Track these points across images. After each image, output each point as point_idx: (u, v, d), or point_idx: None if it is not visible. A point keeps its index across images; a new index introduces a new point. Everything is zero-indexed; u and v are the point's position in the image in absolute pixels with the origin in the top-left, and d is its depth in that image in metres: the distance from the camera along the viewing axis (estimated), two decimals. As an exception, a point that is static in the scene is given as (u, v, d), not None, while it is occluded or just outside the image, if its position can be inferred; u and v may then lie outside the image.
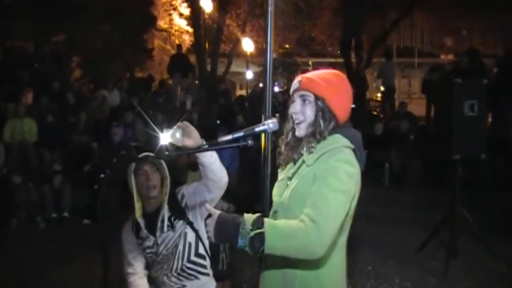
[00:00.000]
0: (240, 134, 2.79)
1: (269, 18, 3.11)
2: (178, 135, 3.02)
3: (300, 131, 2.77)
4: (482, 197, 9.63)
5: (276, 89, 23.89)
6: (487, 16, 21.19)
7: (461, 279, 7.05)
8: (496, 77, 13.90)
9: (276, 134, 2.96)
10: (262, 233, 2.43)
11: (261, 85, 18.82)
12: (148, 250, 4.02)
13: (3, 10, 17.41)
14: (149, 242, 3.98)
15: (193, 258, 4.02)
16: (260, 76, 25.21)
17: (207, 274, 4.11)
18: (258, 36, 23.82)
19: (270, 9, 3.11)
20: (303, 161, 2.71)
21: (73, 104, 14.69)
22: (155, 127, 5.10)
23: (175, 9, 26.09)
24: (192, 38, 24.92)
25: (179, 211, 3.96)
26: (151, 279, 4.16)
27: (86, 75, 23.40)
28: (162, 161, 3.95)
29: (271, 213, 2.86)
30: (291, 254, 2.48)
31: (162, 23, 26.58)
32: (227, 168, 3.65)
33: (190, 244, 4.00)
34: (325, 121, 2.69)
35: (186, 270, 4.00)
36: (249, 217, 2.51)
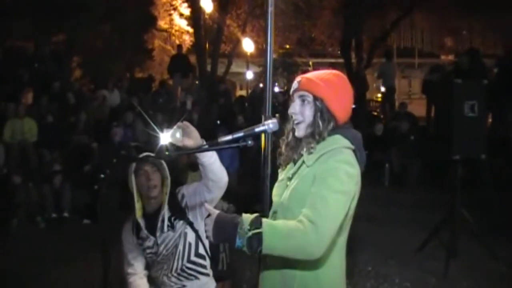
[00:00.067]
0: (240, 134, 2.79)
1: (269, 19, 3.11)
2: (178, 135, 3.02)
3: (300, 132, 2.77)
4: (482, 197, 9.64)
5: (276, 89, 23.89)
6: (487, 16, 21.19)
7: (461, 279, 7.05)
8: (496, 77, 13.89)
9: (276, 135, 2.96)
10: (260, 233, 2.43)
11: (261, 85, 18.81)
12: (148, 250, 4.02)
13: (3, 10, 17.39)
14: (149, 242, 3.98)
15: (193, 258, 4.02)
16: (260, 76, 25.19)
17: (207, 274, 4.11)
18: (258, 36, 23.82)
19: (270, 9, 3.11)
20: (303, 162, 2.71)
21: (73, 104, 14.70)
22: (155, 127, 5.11)
23: (175, 9, 26.08)
24: (192, 38, 24.91)
25: (179, 211, 3.96)
26: (151, 279, 4.16)
27: (86, 75, 23.40)
28: (163, 161, 3.95)
29: (270, 213, 2.86)
30: (289, 255, 2.48)
31: (162, 23, 26.58)
32: (227, 168, 3.65)
33: (190, 244, 4.00)
34: (324, 122, 2.69)
35: (186, 270, 4.00)
36: (247, 217, 2.51)
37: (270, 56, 3.12)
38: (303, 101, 2.75)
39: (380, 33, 22.72)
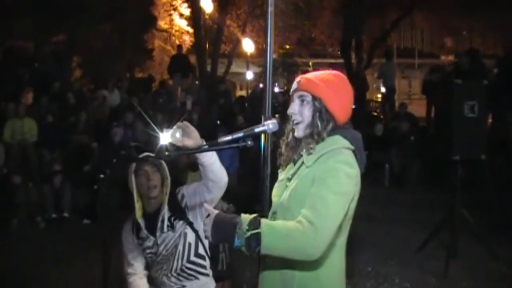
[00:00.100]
0: (240, 134, 2.79)
1: (269, 19, 3.11)
2: (178, 135, 3.02)
3: (299, 132, 2.77)
4: (482, 197, 9.65)
5: (276, 89, 23.89)
6: (487, 16, 21.18)
7: (461, 279, 7.05)
8: (496, 78, 13.89)
9: (277, 135, 2.97)
10: (258, 234, 2.44)
11: (261, 85, 18.82)
12: (148, 250, 4.02)
13: (3, 10, 17.39)
14: (149, 242, 3.98)
15: (193, 258, 4.02)
16: (260, 76, 25.16)
17: (207, 275, 4.11)
18: (258, 36, 23.81)
19: (270, 9, 3.11)
20: (303, 162, 2.71)
21: (73, 104, 14.70)
22: (155, 127, 5.11)
23: (175, 9, 26.07)
24: (192, 39, 24.90)
25: (179, 212, 3.97)
26: (151, 279, 4.16)
27: (86, 75, 23.40)
28: (163, 161, 3.95)
29: (270, 213, 2.86)
30: (288, 255, 2.48)
31: (162, 24, 26.57)
32: (226, 168, 3.65)
33: (190, 244, 4.01)
34: (323, 122, 2.69)
35: (186, 270, 4.01)
36: (246, 218, 2.51)
37: (270, 56, 3.11)
38: (302, 101, 2.75)
39: (380, 33, 22.71)
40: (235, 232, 2.48)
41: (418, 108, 19.23)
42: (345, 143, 2.66)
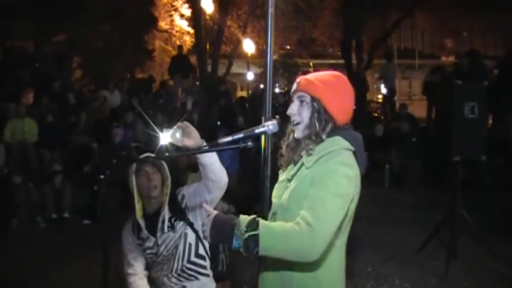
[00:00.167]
0: (240, 135, 2.80)
1: (269, 20, 3.11)
2: (178, 135, 3.03)
3: (298, 133, 2.77)
4: (482, 197, 9.65)
5: (277, 90, 23.89)
6: (487, 16, 21.20)
7: (461, 279, 7.05)
8: (496, 79, 13.89)
9: (277, 136, 2.97)
10: (256, 235, 2.45)
11: (261, 86, 18.85)
12: (148, 251, 4.02)
13: (3, 10, 17.38)
14: (150, 242, 3.98)
15: (193, 258, 4.02)
16: (261, 77, 25.13)
17: (207, 275, 4.11)
18: (259, 37, 23.82)
19: (271, 10, 3.11)
20: (303, 163, 2.71)
21: (74, 104, 14.70)
22: (155, 128, 5.11)
23: (176, 10, 26.07)
24: (193, 39, 24.91)
25: (179, 212, 3.97)
26: (151, 280, 4.17)
27: (87, 75, 23.39)
28: (163, 162, 3.95)
29: (270, 214, 2.87)
30: (286, 257, 2.49)
31: (163, 24, 26.57)
32: (226, 168, 3.65)
33: (190, 244, 4.01)
34: (321, 123, 2.68)
35: (186, 270, 4.01)
36: (245, 219, 2.52)
37: (270, 57, 3.12)
38: (301, 102, 2.76)
39: (381, 34, 22.71)
40: (233, 233, 2.49)
41: (419, 109, 19.21)
42: (345, 144, 2.66)
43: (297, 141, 2.80)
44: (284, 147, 2.90)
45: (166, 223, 3.93)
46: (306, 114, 2.73)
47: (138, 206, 3.95)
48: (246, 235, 2.45)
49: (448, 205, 7.66)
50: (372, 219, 9.28)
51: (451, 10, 21.48)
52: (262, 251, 2.45)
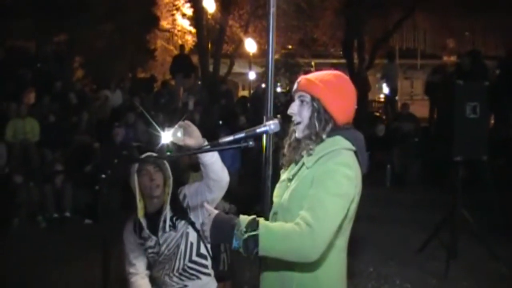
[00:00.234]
0: (242, 135, 2.80)
1: (271, 19, 3.12)
2: (179, 134, 3.03)
3: (298, 133, 2.77)
4: (482, 197, 9.64)
5: (279, 89, 23.90)
6: (488, 17, 21.18)
7: (462, 279, 7.05)
8: (497, 79, 13.89)
9: (278, 135, 2.97)
10: (256, 235, 2.45)
11: (263, 85, 18.85)
12: (150, 250, 4.03)
13: (4, 10, 17.39)
14: (151, 242, 3.98)
15: (194, 258, 4.03)
16: (263, 76, 25.18)
17: (209, 274, 4.12)
18: (261, 36, 23.77)
19: (272, 10, 3.11)
20: (303, 163, 2.71)
21: (75, 104, 14.69)
22: (157, 127, 5.12)
23: (178, 9, 26.02)
24: (194, 39, 24.87)
25: (181, 211, 3.97)
26: (152, 279, 4.17)
27: (88, 75, 23.42)
28: (165, 161, 3.95)
29: (271, 214, 2.87)
30: (286, 257, 2.49)
31: (164, 23, 26.53)
32: (228, 168, 3.65)
33: (191, 244, 4.01)
34: (321, 122, 2.68)
35: (188, 270, 4.01)
36: (245, 219, 2.53)
37: (272, 57, 3.12)
38: (301, 101, 2.75)
39: (382, 34, 22.70)
40: (233, 233, 2.49)
41: (420, 109, 19.19)
42: (346, 144, 2.66)
43: (298, 140, 2.80)
44: (286, 146, 2.90)
45: (168, 222, 3.93)
46: (306, 113, 2.73)
47: (139, 205, 3.95)
48: (246, 235, 2.46)
49: (448, 205, 7.66)
50: (373, 219, 9.29)
51: (451, 10, 21.45)
52: (262, 251, 2.46)
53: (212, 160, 3.44)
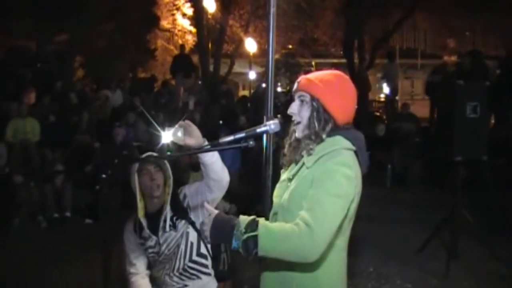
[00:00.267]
0: (242, 135, 2.80)
1: (271, 19, 3.12)
2: (180, 134, 3.03)
3: (298, 132, 2.77)
4: (483, 197, 9.65)
5: (279, 89, 23.90)
6: (488, 16, 21.18)
7: (462, 279, 7.05)
8: (498, 78, 13.89)
9: (278, 135, 2.97)
10: (255, 236, 2.45)
11: (263, 85, 18.83)
12: (150, 250, 4.03)
13: (4, 10, 17.39)
14: (151, 241, 3.99)
15: (195, 257, 4.03)
16: (263, 76, 25.15)
17: (209, 274, 4.12)
18: (261, 36, 23.77)
19: (272, 10, 3.12)
20: (303, 163, 2.71)
21: (76, 104, 14.69)
22: (157, 127, 5.12)
23: (178, 9, 26.02)
24: (195, 38, 24.86)
25: (181, 211, 3.98)
26: (153, 279, 4.17)
27: (89, 75, 23.41)
28: (166, 161, 3.96)
29: (271, 214, 2.87)
30: (285, 257, 2.50)
31: (165, 23, 26.53)
32: (228, 168, 3.65)
33: (192, 243, 4.02)
34: (320, 122, 2.68)
35: (188, 269, 4.02)
36: (244, 219, 2.53)
37: (272, 56, 3.13)
38: (301, 101, 2.75)
39: (383, 34, 22.70)
40: (233, 233, 2.50)
41: (421, 109, 19.20)
42: (346, 143, 2.66)
43: (298, 140, 2.80)
44: (286, 146, 2.90)
45: (168, 222, 3.94)
46: (305, 113, 2.72)
47: (140, 205, 3.95)
48: (245, 236, 2.46)
49: (448, 205, 7.66)
50: (373, 219, 9.29)
51: (451, 10, 21.46)
52: (261, 251, 2.46)
53: (213, 160, 3.44)
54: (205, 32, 22.72)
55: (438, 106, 10.86)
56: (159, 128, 3.43)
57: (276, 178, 2.98)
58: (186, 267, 4.01)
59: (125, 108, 15.19)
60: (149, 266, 4.16)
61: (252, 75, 28.23)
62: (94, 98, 16.24)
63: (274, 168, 3.06)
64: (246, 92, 30.48)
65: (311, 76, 2.78)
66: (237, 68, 28.26)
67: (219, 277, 4.29)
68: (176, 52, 24.10)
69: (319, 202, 2.49)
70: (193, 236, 4.01)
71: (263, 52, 23.47)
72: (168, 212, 3.94)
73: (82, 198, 10.62)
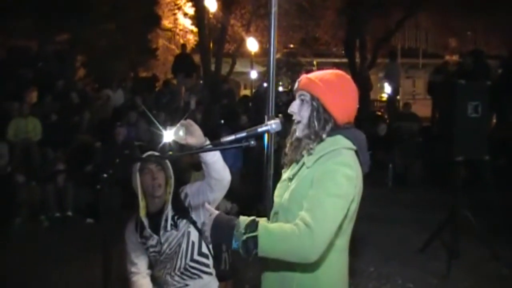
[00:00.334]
0: (243, 134, 2.80)
1: (273, 19, 3.12)
2: (181, 133, 3.04)
3: (299, 132, 2.77)
4: (483, 197, 9.64)
5: (280, 89, 23.90)
6: (489, 16, 21.17)
7: (463, 279, 7.05)
8: (499, 78, 13.88)
9: (280, 135, 2.97)
10: (255, 237, 2.45)
11: (265, 85, 18.82)
12: (151, 249, 4.03)
13: (5, 9, 17.40)
14: (153, 241, 3.99)
15: (196, 257, 4.03)
16: (265, 76, 25.15)
17: (210, 274, 4.12)
18: (263, 36, 23.77)
19: (274, 9, 3.12)
20: (304, 163, 2.70)
21: (77, 103, 14.70)
22: (159, 126, 5.12)
23: (179, 8, 26.05)
24: (196, 38, 24.87)
25: (182, 210, 3.98)
26: (154, 278, 4.17)
27: (90, 74, 23.44)
28: (167, 161, 3.96)
29: (272, 214, 2.87)
30: (285, 258, 2.49)
31: (166, 23, 26.55)
32: (229, 167, 3.65)
33: (193, 243, 4.01)
34: (320, 122, 2.67)
35: (190, 269, 4.01)
36: (244, 220, 2.53)
37: (273, 56, 3.13)
38: (302, 100, 2.75)
39: (384, 33, 22.70)
40: (232, 234, 2.50)
41: (422, 108, 19.19)
42: (347, 143, 2.65)
43: (298, 140, 2.80)
44: (287, 146, 2.90)
45: (169, 221, 3.94)
46: (305, 113, 2.72)
47: (141, 204, 3.95)
48: (245, 236, 2.47)
49: (449, 205, 7.65)
50: (374, 219, 9.27)
51: (453, 9, 21.45)
52: (261, 252, 2.46)
53: (214, 159, 3.45)
54: (207, 31, 22.71)
55: (439, 105, 10.86)
56: (160, 128, 3.43)
57: (277, 177, 2.98)
58: (187, 266, 4.01)
59: (127, 107, 15.20)
60: (150, 266, 4.16)
61: (254, 74, 28.25)
62: (95, 97, 16.26)
63: (275, 167, 3.06)
64: (247, 92, 30.46)
65: (311, 75, 2.77)
66: (238, 68, 28.23)
67: (220, 277, 4.30)
68: (177, 51, 24.07)
69: (319, 202, 2.48)
70: (194, 235, 4.00)
71: (264, 51, 23.52)
72: (169, 212, 3.94)
73: (83, 197, 10.64)
